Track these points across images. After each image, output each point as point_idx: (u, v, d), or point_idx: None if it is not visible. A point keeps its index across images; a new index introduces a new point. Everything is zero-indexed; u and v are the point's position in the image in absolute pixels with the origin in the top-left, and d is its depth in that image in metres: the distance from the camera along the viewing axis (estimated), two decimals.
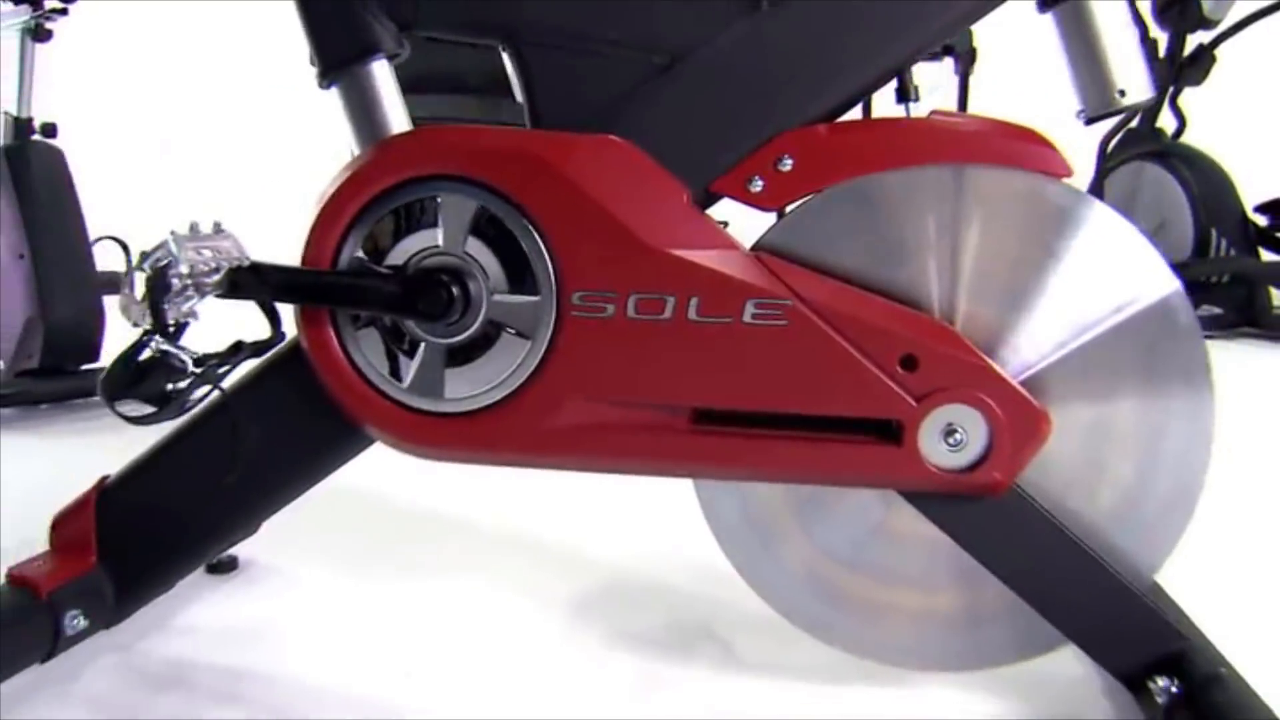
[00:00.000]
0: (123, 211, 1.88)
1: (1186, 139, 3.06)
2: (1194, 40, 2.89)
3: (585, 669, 0.81)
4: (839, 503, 0.71)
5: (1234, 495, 1.26)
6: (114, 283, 1.82)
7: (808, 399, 0.65)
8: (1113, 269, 0.66)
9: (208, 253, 0.64)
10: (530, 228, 0.66)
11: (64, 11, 1.70)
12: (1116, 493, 0.69)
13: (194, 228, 0.65)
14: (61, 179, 1.77)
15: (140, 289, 0.62)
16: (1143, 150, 3.06)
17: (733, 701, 0.75)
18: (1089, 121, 0.68)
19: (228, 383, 0.70)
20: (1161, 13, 2.93)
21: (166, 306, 0.62)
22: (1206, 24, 2.89)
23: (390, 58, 0.71)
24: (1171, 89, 3.03)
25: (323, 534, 1.02)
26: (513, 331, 0.67)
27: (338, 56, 0.71)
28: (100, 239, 1.79)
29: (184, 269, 0.62)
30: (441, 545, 1.05)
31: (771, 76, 0.67)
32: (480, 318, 0.67)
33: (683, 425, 0.67)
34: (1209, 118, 3.04)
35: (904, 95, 0.76)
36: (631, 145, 0.66)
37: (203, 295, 0.63)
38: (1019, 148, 0.66)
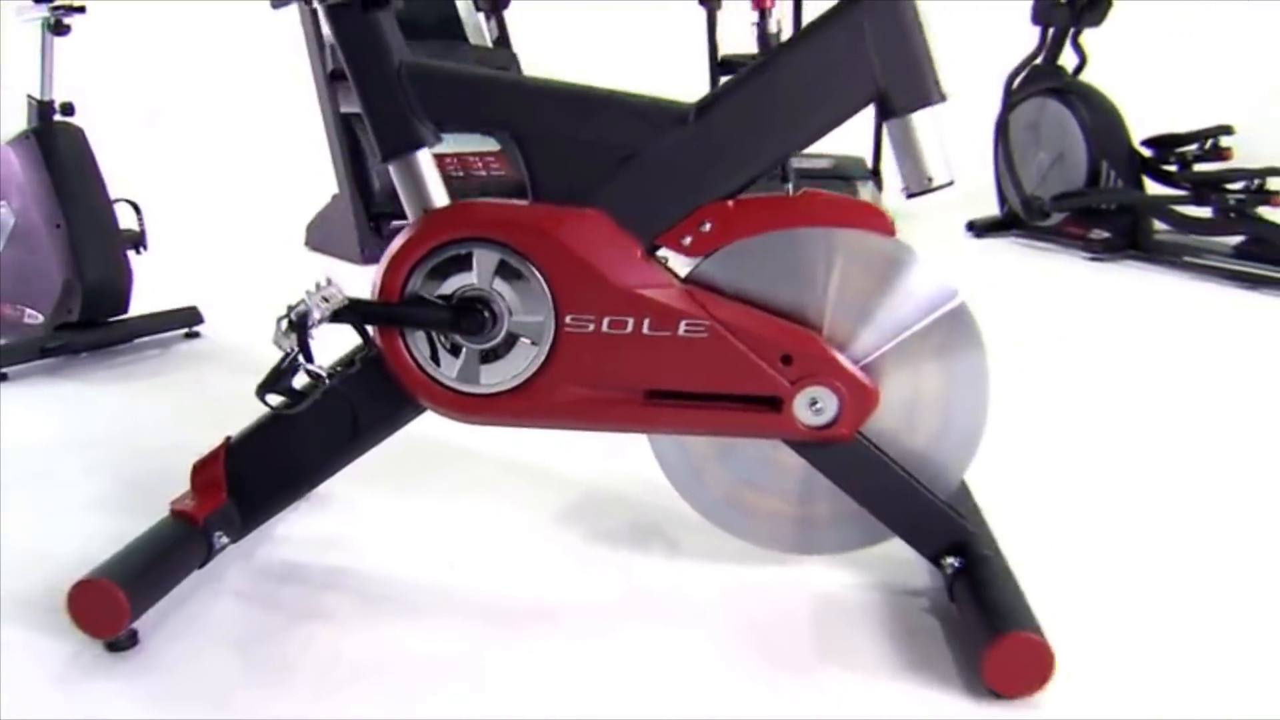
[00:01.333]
0: (122, 175, 2.17)
1: (1086, 76, 3.41)
2: None
3: (571, 558, 1.18)
4: (743, 447, 1.09)
5: (1100, 392, 1.66)
6: (135, 240, 2.11)
7: (722, 383, 1.01)
8: (920, 292, 1.02)
9: (324, 299, 0.97)
10: (537, 272, 1.00)
11: (82, 9, 1.95)
12: (927, 434, 1.07)
13: (318, 285, 0.98)
14: (85, 154, 2.04)
15: (287, 327, 0.96)
16: (1044, 87, 3.40)
17: (677, 577, 1.13)
18: (909, 196, 1.02)
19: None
20: None
21: (308, 338, 0.96)
22: None
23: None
24: (1072, 30, 3.37)
25: (366, 472, 1.37)
26: (526, 341, 1.02)
27: (394, 147, 1.03)
28: (117, 200, 2.08)
29: (315, 315, 0.96)
30: (463, 473, 1.40)
31: (696, 167, 1.01)
32: (504, 332, 1.01)
33: (639, 400, 1.03)
34: (1105, 57, 3.39)
35: (784, 177, 1.01)
36: (602, 214, 1.00)
37: (322, 323, 0.97)
38: (862, 216, 1.02)
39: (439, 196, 1.04)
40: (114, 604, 0.96)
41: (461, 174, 3.19)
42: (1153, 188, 3.20)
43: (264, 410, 1.08)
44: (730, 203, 1.02)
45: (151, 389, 1.87)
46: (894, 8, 0.96)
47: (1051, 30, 3.37)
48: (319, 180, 3.33)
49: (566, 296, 1.00)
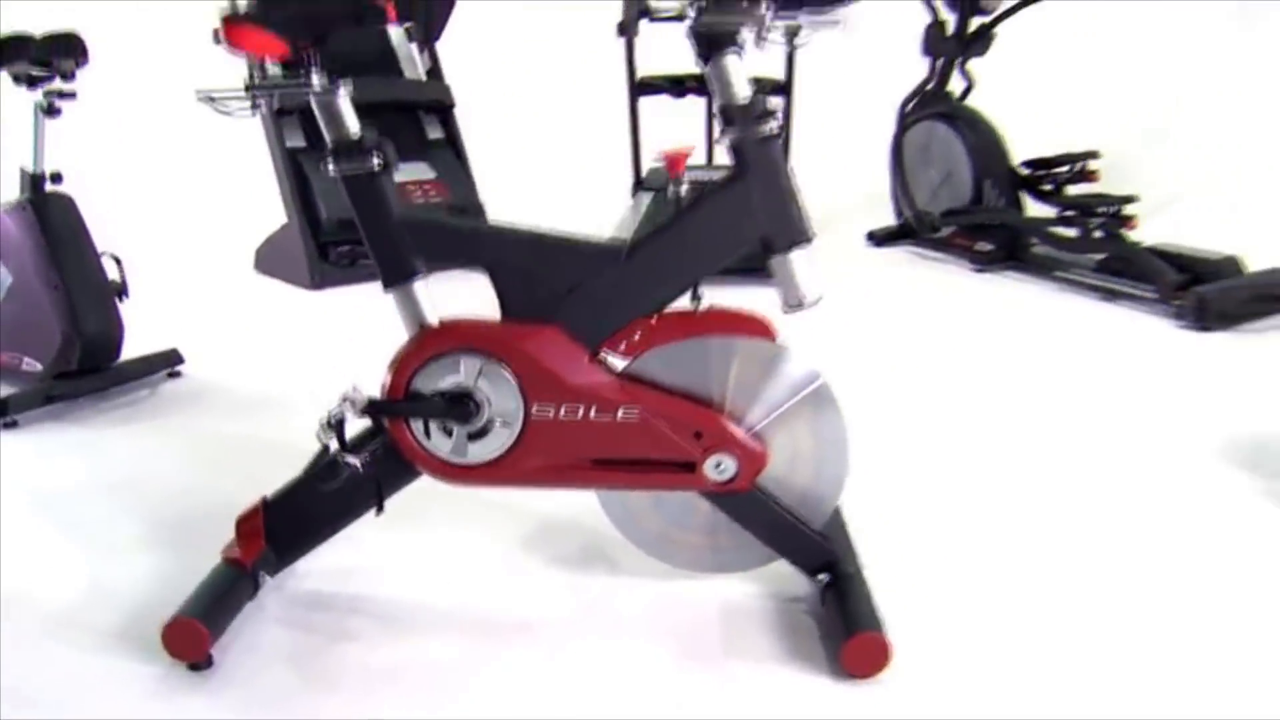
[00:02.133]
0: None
1: (973, 100, 3.84)
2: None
3: (535, 578, 1.55)
4: (668, 497, 1.46)
5: (963, 397, 2.06)
6: (118, 290, 2.39)
7: (651, 453, 1.38)
8: (792, 377, 1.39)
9: (352, 403, 1.32)
10: (510, 374, 1.35)
11: (73, 95, 2.22)
12: (804, 479, 1.44)
13: (347, 394, 1.32)
14: (76, 219, 2.32)
15: (328, 427, 1.30)
16: (933, 111, 3.83)
17: (617, 592, 1.50)
18: (786, 312, 1.39)
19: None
20: (950, 0, 3.68)
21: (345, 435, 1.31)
22: (984, 10, 3.65)
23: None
24: (959, 59, 3.80)
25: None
26: (502, 424, 1.37)
27: (395, 279, 1.37)
28: (102, 254, 2.37)
29: (348, 416, 1.30)
30: (445, 509, 1.71)
31: (628, 293, 1.37)
32: (485, 418, 1.36)
33: (588, 466, 1.39)
34: (988, 85, 3.82)
35: (695, 295, 1.30)
36: (558, 329, 1.36)
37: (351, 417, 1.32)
38: (751, 325, 1.39)
39: (431, 316, 1.38)
40: (197, 636, 1.29)
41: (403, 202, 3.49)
42: (1031, 204, 3.65)
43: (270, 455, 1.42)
44: (654, 318, 1.38)
45: (152, 432, 2.18)
46: (774, 178, 1.33)
47: (940, 60, 3.79)
48: (262, 207, 3.60)
49: (533, 392, 1.35)
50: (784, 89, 4.11)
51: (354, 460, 1.33)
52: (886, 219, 4.11)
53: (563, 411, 1.36)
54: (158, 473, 1.96)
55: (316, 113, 1.37)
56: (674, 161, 1.39)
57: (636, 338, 1.38)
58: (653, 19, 3.99)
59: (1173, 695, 1.28)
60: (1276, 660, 1.34)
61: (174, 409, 2.31)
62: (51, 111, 2.21)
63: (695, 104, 4.32)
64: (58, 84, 2.21)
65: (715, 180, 1.36)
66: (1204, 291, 2.85)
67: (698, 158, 3.84)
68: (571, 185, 4.76)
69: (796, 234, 1.34)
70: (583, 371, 1.36)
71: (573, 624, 1.45)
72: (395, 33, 3.58)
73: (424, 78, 3.65)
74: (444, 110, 3.75)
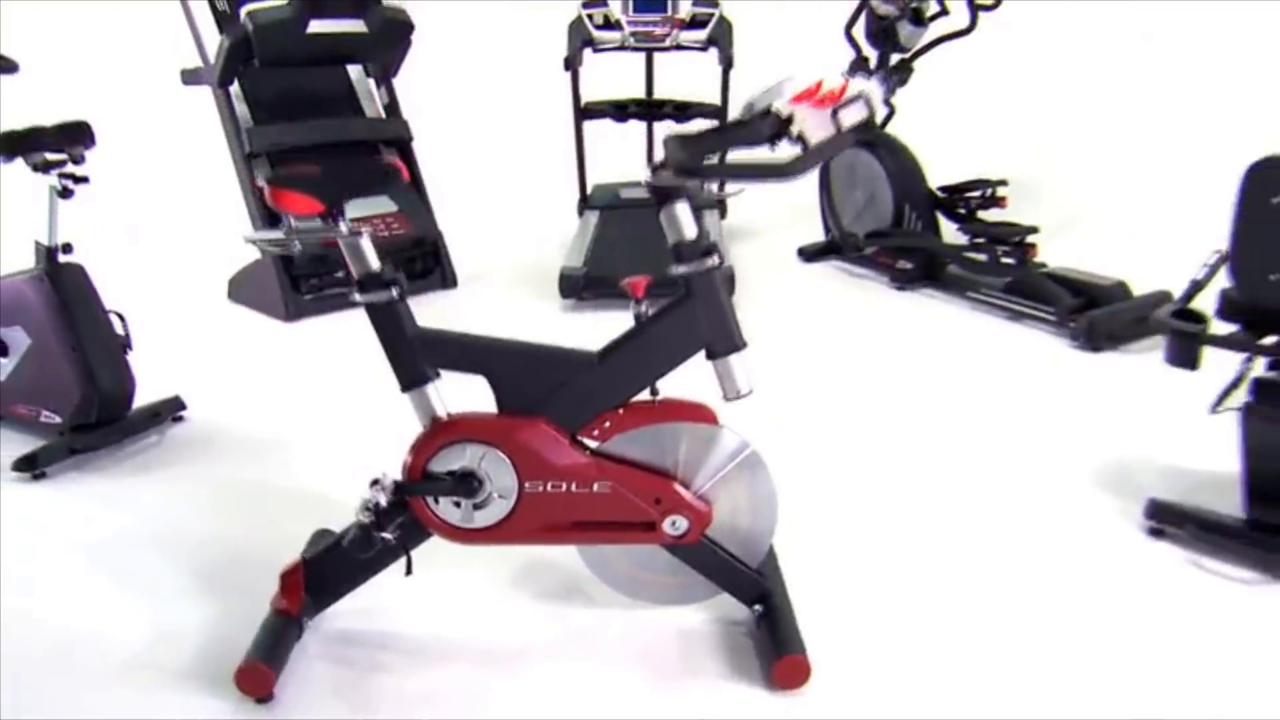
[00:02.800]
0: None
1: (895, 127, 4.23)
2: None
3: (523, 611, 1.92)
4: (635, 547, 1.84)
5: (874, 410, 2.46)
6: (123, 344, 2.70)
7: (621, 516, 1.76)
8: (729, 448, 1.77)
9: (383, 488, 1.67)
10: (506, 457, 1.72)
11: (86, 179, 2.51)
12: (743, 527, 1.82)
13: (377, 479, 1.68)
14: (88, 285, 2.61)
15: (365, 510, 1.66)
16: (856, 140, 4.22)
17: (593, 621, 1.89)
18: (726, 400, 1.77)
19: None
20: (872, 38, 4.07)
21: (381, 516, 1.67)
22: (902, 48, 4.05)
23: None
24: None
25: None
26: (500, 497, 1.74)
27: (411, 383, 1.73)
28: (109, 311, 2.67)
29: (382, 501, 1.66)
30: (446, 552, 2.10)
31: (600, 391, 1.74)
32: (486, 493, 1.73)
33: (570, 526, 1.77)
34: (907, 115, 4.22)
35: (653, 389, 1.66)
36: (545, 420, 1.72)
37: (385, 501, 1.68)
38: (697, 413, 1.77)
39: (441, 411, 1.74)
40: (263, 676, 1.65)
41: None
42: (947, 225, 4.07)
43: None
44: (621, 409, 1.76)
45: (169, 480, 2.50)
46: (715, 301, 1.70)
47: None
48: (227, 239, 3.88)
49: (525, 471, 1.72)
50: (719, 112, 4.50)
51: (388, 536, 1.69)
52: (816, 234, 4.52)
53: (549, 486, 1.73)
54: (183, 520, 2.29)
55: (344, 252, 1.70)
56: (635, 286, 1.76)
57: (607, 425, 1.75)
58: (596, 50, 4.35)
59: (1028, 692, 1.70)
60: (1114, 662, 1.77)
61: (184, 456, 2.63)
62: (65, 194, 2.50)
63: (635, 127, 4.68)
64: (70, 168, 2.49)
65: (667, 303, 1.73)
66: (1094, 315, 3.29)
67: (637, 190, 4.22)
68: (520, 206, 5.10)
69: (733, 344, 1.72)
70: (565, 453, 1.73)
71: (560, 650, 1.83)
72: (355, 72, 3.88)
73: (383, 114, 3.98)
74: (403, 144, 4.05)
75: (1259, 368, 2.00)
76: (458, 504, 1.73)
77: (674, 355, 1.72)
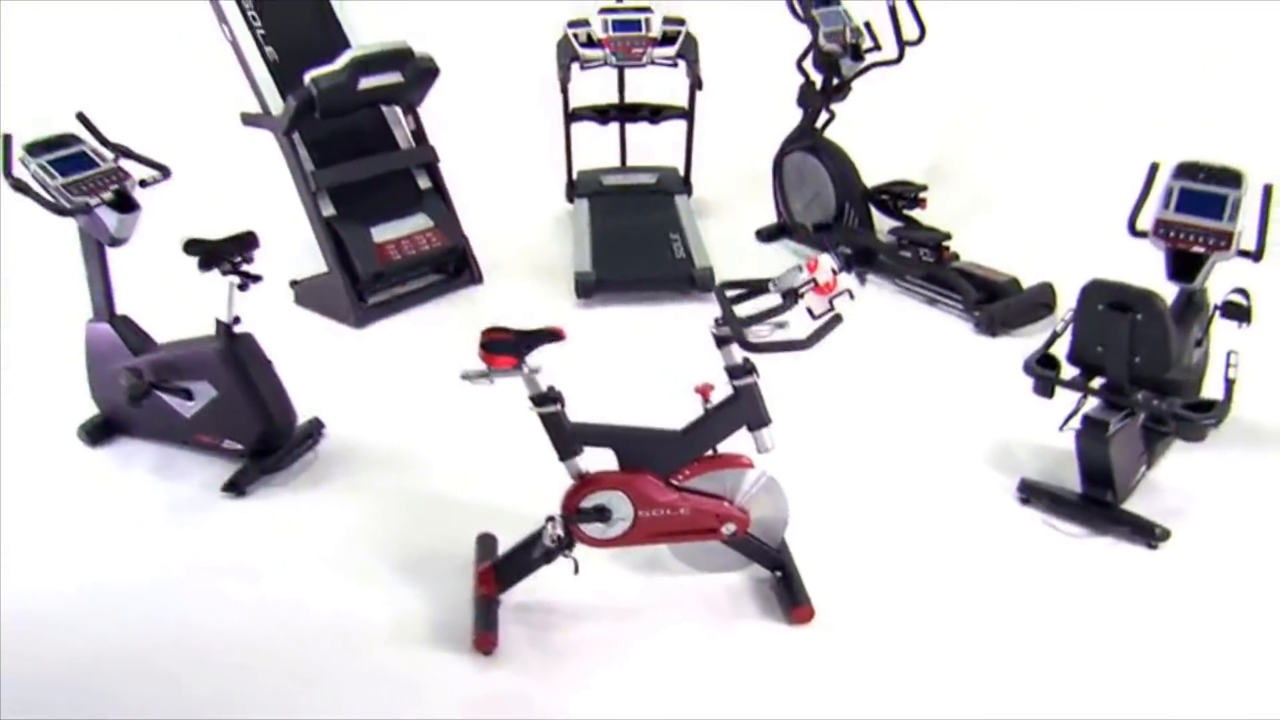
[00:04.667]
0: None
1: (837, 133, 5.34)
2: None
3: (625, 579, 3.11)
4: (697, 544, 3.05)
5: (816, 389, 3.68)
6: None
7: (696, 525, 2.94)
8: (755, 475, 2.96)
9: (554, 524, 2.84)
10: (627, 498, 2.89)
11: (259, 278, 3.51)
12: (767, 520, 3.03)
13: (549, 521, 2.83)
14: (259, 348, 3.63)
15: (549, 540, 2.82)
16: (804, 144, 5.34)
17: (671, 584, 3.10)
18: (759, 453, 2.95)
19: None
20: (818, 68, 5.13)
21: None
22: (841, 74, 5.13)
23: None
24: (825, 107, 5.28)
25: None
26: (622, 519, 2.92)
27: (565, 455, 2.87)
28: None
29: (560, 533, 2.82)
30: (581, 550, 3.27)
31: (682, 452, 2.91)
32: (615, 519, 2.91)
33: (664, 534, 2.96)
34: (845, 125, 5.34)
35: (714, 449, 2.95)
36: (650, 473, 2.88)
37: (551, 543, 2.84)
38: (739, 461, 2.95)
39: (585, 468, 2.89)
40: (490, 639, 2.82)
41: (414, 250, 4.84)
42: (880, 218, 5.24)
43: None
44: (694, 462, 2.93)
45: (339, 491, 3.59)
46: (753, 399, 2.85)
47: (810, 109, 5.27)
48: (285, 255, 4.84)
49: (639, 504, 2.88)
50: (687, 114, 5.57)
51: (572, 555, 2.85)
52: (768, 212, 5.67)
53: (653, 512, 2.90)
54: (365, 525, 3.41)
55: (525, 384, 2.79)
56: (704, 392, 2.90)
57: (687, 472, 2.92)
58: (584, 67, 5.35)
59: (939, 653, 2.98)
60: (991, 589, 3.05)
61: (340, 470, 3.71)
62: (244, 287, 3.50)
63: (613, 128, 5.73)
64: (245, 268, 3.49)
65: (724, 400, 2.88)
66: (992, 309, 4.53)
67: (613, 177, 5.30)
68: (512, 194, 6.11)
69: (762, 422, 2.88)
70: (662, 492, 2.90)
71: (654, 603, 3.02)
72: (388, 112, 4.91)
73: (411, 140, 4.98)
74: (432, 166, 5.04)
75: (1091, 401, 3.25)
76: (597, 525, 2.90)
77: (727, 430, 2.89)
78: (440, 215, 4.98)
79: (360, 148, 4.82)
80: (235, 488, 3.55)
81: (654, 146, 5.88)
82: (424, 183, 5.07)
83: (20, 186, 3.43)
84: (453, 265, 5.09)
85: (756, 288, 2.80)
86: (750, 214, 5.79)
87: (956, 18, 5.59)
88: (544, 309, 4.85)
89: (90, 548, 3.32)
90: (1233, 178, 3.32)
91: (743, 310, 2.73)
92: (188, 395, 3.67)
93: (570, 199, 5.75)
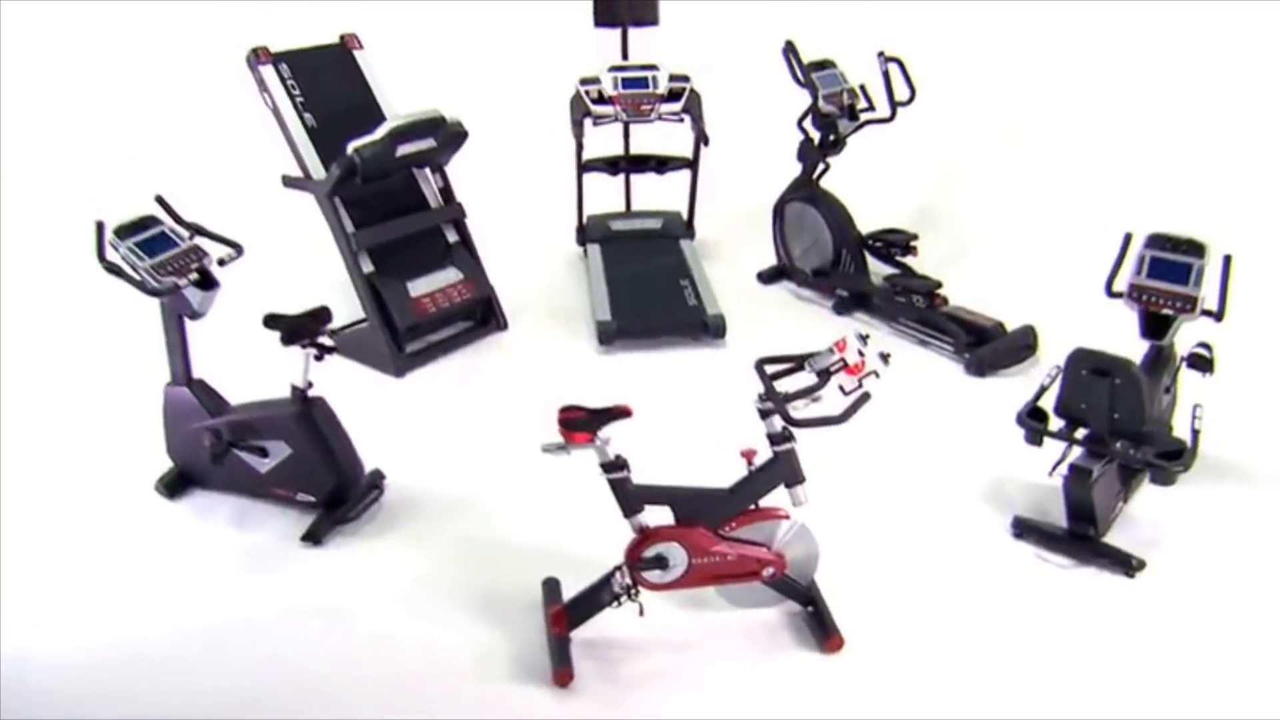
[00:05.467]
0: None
1: (831, 182, 5.85)
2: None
3: (676, 616, 3.59)
4: (740, 584, 3.54)
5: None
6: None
7: (741, 570, 3.43)
8: (789, 524, 3.45)
9: (622, 573, 3.32)
10: (682, 548, 3.38)
11: (334, 349, 3.96)
12: (801, 561, 3.53)
13: (618, 570, 3.31)
14: (331, 411, 4.08)
15: (625, 589, 3.30)
16: (802, 195, 5.85)
17: (716, 618, 3.58)
18: (795, 507, 3.44)
19: None
20: (816, 125, 5.64)
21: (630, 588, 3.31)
22: (838, 132, 5.65)
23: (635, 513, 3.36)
24: (822, 161, 5.79)
25: None
26: (677, 566, 3.40)
27: (629, 513, 3.35)
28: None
29: (628, 581, 3.30)
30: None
31: (729, 508, 3.40)
32: (671, 565, 3.39)
33: (714, 577, 3.45)
34: (842, 176, 5.85)
35: (756, 503, 3.64)
36: (702, 526, 3.38)
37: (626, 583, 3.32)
38: (777, 513, 3.44)
39: (646, 523, 3.37)
40: (567, 674, 3.29)
41: (447, 303, 5.29)
42: (874, 262, 5.76)
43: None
44: (739, 515, 3.42)
45: (409, 538, 4.04)
46: (791, 462, 3.35)
47: (809, 163, 5.78)
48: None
49: (693, 553, 3.36)
50: (691, 164, 6.06)
51: (638, 600, 3.33)
52: (768, 253, 6.17)
53: (705, 559, 3.39)
54: (436, 570, 3.86)
55: (596, 454, 3.26)
56: (748, 456, 3.38)
57: (734, 524, 3.41)
58: (597, 123, 5.82)
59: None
60: (989, 613, 3.57)
61: (405, 518, 4.15)
62: (319, 358, 3.94)
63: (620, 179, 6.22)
64: (321, 340, 3.94)
65: (764, 462, 3.36)
66: (980, 352, 5.06)
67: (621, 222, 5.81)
68: (528, 238, 6.57)
69: (797, 480, 3.37)
70: (712, 542, 3.38)
71: (702, 636, 3.51)
72: (419, 174, 5.39)
73: (439, 197, 5.44)
74: (459, 222, 5.50)
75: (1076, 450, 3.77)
76: (656, 571, 3.38)
77: (768, 488, 3.38)
78: (469, 268, 5.43)
79: (394, 206, 5.25)
80: (313, 537, 3.99)
81: (655, 191, 6.37)
82: (452, 236, 5.51)
83: (113, 269, 3.83)
84: (480, 313, 5.53)
85: (793, 364, 3.28)
86: (749, 256, 6.29)
87: (946, 79, 6.12)
88: (569, 355, 5.31)
89: (185, 594, 3.73)
90: (1197, 248, 3.84)
91: (781, 384, 3.22)
92: (264, 453, 4.09)
93: (580, 243, 6.22)
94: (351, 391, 4.87)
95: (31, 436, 4.76)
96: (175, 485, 4.29)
